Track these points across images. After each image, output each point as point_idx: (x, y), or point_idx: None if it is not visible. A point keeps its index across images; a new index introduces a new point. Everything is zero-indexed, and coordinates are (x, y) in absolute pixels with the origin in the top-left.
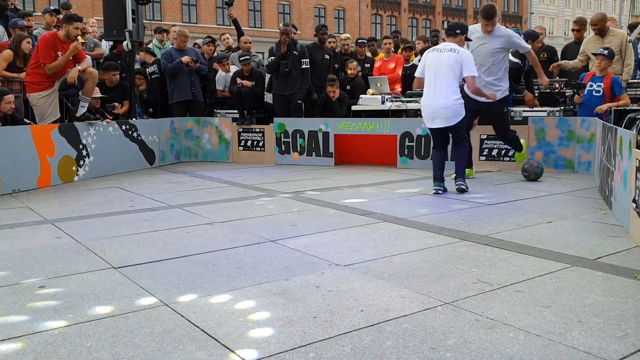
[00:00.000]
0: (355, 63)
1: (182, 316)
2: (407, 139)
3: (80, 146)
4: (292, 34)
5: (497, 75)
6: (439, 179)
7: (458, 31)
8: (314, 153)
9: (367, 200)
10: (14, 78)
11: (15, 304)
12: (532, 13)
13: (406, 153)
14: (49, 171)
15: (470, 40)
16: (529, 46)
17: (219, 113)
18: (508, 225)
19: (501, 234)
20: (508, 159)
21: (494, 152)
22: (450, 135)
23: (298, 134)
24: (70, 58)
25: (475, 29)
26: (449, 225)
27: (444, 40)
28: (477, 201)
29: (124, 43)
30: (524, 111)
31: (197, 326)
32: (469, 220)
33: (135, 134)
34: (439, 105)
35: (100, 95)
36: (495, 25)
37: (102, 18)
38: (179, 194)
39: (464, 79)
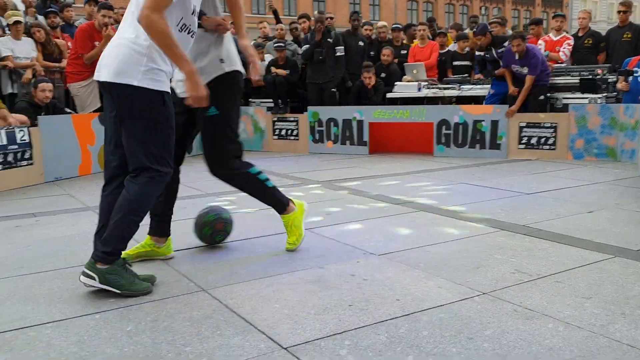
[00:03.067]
0: (390, 49)
1: (220, 302)
2: (444, 127)
3: None
4: (327, 22)
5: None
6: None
7: None
8: (348, 142)
9: (402, 189)
10: (54, 68)
11: (59, 288)
12: None
13: (443, 141)
14: (89, 159)
15: None
16: None
17: (253, 102)
18: (547, 214)
19: (540, 224)
20: (547, 147)
21: (533, 140)
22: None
23: (332, 123)
24: None
25: None
26: (487, 215)
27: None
28: (515, 190)
29: None
30: (564, 98)
31: (234, 312)
32: (507, 210)
33: None
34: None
35: None
36: None
37: None
38: (215, 183)
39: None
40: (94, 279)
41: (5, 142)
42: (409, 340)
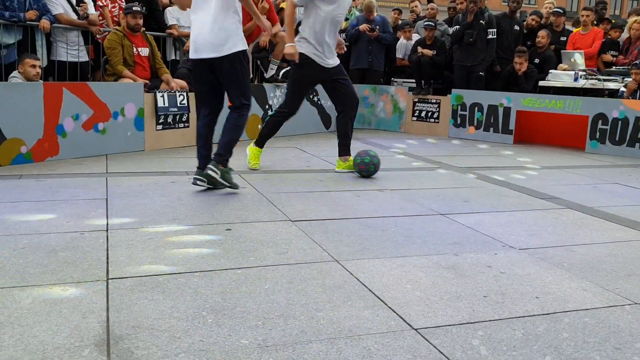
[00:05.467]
0: (546, 32)
1: (352, 274)
2: (600, 121)
3: (267, 106)
4: (481, 3)
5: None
6: (200, 162)
7: None
8: (491, 128)
9: (548, 184)
10: None
11: (206, 241)
12: None
13: (597, 137)
14: None
15: None
16: None
17: (395, 82)
18: None
19: None
20: None
21: None
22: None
23: (476, 107)
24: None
25: None
26: None
27: None
28: None
29: None
30: None
31: (365, 285)
32: None
33: (315, 99)
34: (204, 22)
35: None
36: None
37: None
38: None
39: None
40: (217, 173)
41: (167, 104)
42: (547, 340)
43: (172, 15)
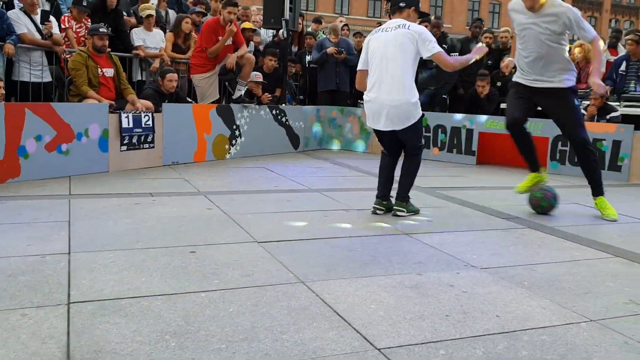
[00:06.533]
0: (511, 59)
1: (317, 295)
2: (560, 143)
3: (234, 127)
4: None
5: (560, 64)
6: (380, 194)
7: (402, 4)
8: (454, 150)
9: (509, 204)
10: (180, 59)
11: (170, 264)
12: None
13: (557, 158)
14: (204, 147)
15: (427, 15)
16: (594, 32)
17: (361, 103)
18: None
19: None
20: None
21: None
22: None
23: (440, 129)
24: (231, 43)
25: (516, 5)
26: (601, 239)
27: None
28: (635, 216)
29: (280, 32)
30: None
31: (330, 307)
32: (625, 236)
33: (284, 119)
34: (385, 101)
35: (261, 80)
36: None
37: (262, 7)
38: (320, 179)
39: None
40: (404, 211)
41: (131, 125)
42: (506, 358)
43: (138, 36)
